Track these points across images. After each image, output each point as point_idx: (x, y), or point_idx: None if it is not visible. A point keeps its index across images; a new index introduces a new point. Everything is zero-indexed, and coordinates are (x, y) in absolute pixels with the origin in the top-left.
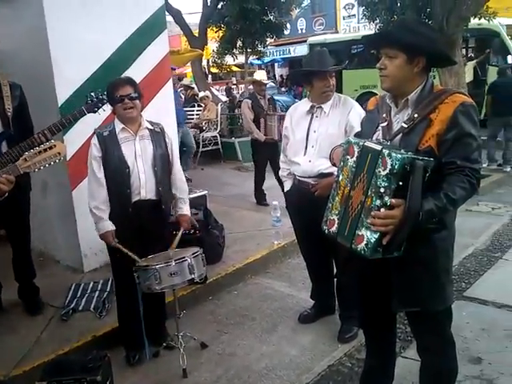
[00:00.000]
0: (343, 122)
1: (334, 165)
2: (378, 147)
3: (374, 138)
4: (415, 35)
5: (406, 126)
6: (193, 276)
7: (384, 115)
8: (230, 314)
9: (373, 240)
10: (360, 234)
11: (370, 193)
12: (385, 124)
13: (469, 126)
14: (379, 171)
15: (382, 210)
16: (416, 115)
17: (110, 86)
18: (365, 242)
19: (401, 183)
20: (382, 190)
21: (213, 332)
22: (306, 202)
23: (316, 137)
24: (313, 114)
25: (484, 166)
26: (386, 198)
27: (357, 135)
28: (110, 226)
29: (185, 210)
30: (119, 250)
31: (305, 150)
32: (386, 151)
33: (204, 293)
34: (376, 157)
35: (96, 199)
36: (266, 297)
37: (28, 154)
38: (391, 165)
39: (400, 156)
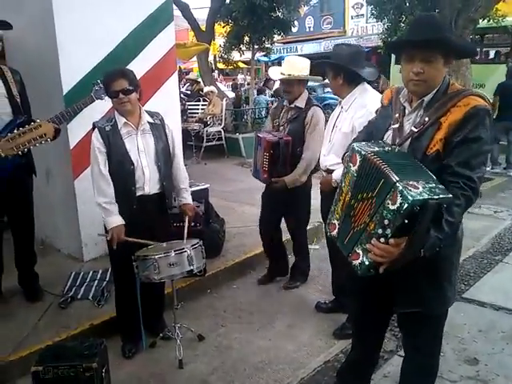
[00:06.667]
0: (351, 122)
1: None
2: (393, 178)
3: (385, 138)
4: (451, 35)
5: (415, 130)
6: (192, 267)
7: (397, 115)
8: (228, 308)
9: (367, 263)
10: (357, 251)
11: (374, 218)
12: (396, 126)
13: (476, 130)
14: (388, 203)
15: (382, 240)
16: (427, 118)
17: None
18: (359, 261)
19: (406, 221)
20: (386, 222)
21: (210, 324)
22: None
23: (334, 132)
24: (342, 109)
25: (488, 169)
26: (388, 231)
27: (369, 129)
28: (121, 221)
29: (189, 199)
30: (132, 242)
31: (328, 143)
32: (399, 187)
33: (203, 286)
34: (388, 187)
35: (106, 196)
36: (265, 292)
37: (11, 136)
38: (400, 203)
39: (411, 198)
